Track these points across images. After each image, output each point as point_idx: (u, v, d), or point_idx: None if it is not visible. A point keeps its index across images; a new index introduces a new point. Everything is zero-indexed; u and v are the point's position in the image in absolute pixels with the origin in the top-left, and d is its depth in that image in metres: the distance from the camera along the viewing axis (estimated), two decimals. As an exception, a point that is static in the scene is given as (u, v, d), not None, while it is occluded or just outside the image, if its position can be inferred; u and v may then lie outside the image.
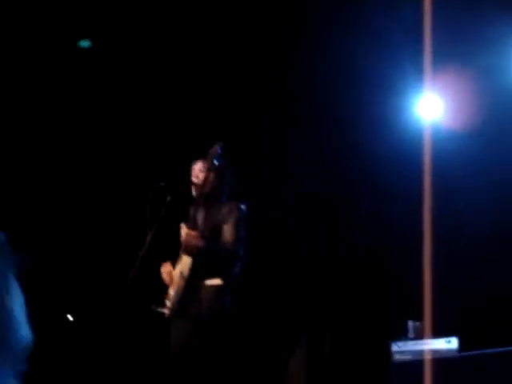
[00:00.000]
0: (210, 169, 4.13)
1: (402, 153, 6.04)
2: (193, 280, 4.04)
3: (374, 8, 5.64)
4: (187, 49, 5.99)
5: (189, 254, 4.05)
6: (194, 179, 4.23)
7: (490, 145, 5.85)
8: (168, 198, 4.14)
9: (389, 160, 6.15)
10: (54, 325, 6.31)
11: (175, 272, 4.14)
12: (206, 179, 4.16)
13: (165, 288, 4.21)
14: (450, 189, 5.76)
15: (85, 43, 5.91)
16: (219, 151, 4.14)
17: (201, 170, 4.23)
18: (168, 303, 4.13)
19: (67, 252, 6.59)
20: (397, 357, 5.49)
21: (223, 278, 4.10)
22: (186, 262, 4.07)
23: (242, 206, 4.23)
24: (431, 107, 6.02)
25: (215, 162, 4.14)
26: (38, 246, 6.28)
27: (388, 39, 5.72)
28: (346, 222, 6.42)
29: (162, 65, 6.07)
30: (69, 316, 6.11)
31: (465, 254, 5.86)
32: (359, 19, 5.76)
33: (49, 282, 6.47)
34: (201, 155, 4.27)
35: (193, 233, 4.04)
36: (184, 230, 4.08)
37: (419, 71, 5.53)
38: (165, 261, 4.22)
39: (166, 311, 4.12)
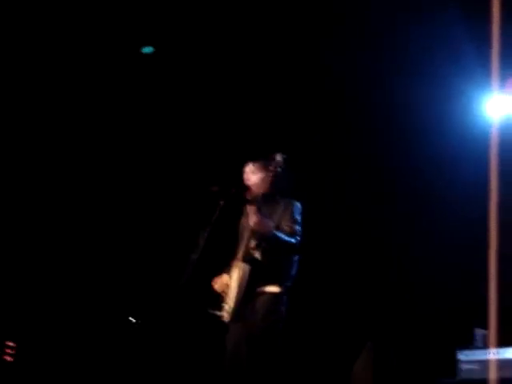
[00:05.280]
0: (272, 175, 4.16)
1: (469, 153, 5.88)
2: (250, 286, 4.03)
3: (441, 9, 5.51)
4: (248, 54, 6.04)
5: (258, 235, 4.02)
6: (246, 181, 4.24)
7: None
8: (221, 203, 4.14)
9: (456, 160, 6.01)
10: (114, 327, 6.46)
11: (232, 275, 4.13)
12: (261, 183, 4.18)
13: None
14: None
15: (148, 49, 6.02)
16: (281, 163, 4.13)
17: (252, 172, 4.24)
18: (226, 306, 4.12)
19: (122, 254, 6.73)
20: (464, 366, 5.33)
21: (280, 281, 4.05)
22: (244, 269, 4.06)
23: (297, 203, 4.23)
24: (499, 106, 5.82)
25: (278, 170, 4.16)
26: (93, 248, 6.46)
27: (455, 39, 5.58)
28: (411, 228, 6.27)
29: (220, 70, 6.12)
30: (131, 318, 6.21)
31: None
32: (425, 20, 5.64)
33: (106, 284, 6.64)
34: (252, 158, 4.28)
35: (266, 221, 4.02)
36: (255, 216, 4.00)
37: (487, 70, 5.36)
38: (218, 265, 4.23)
39: (223, 314, 4.12)
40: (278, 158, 4.17)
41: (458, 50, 5.58)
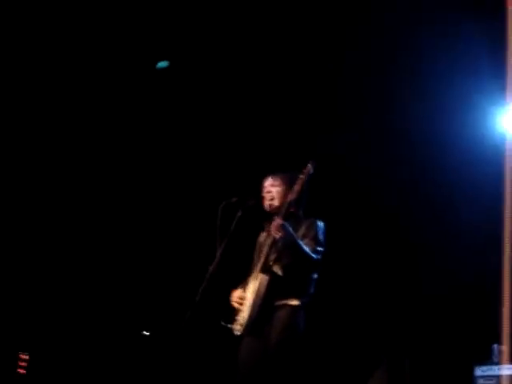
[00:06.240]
0: (302, 185, 4.04)
1: (484, 166, 5.86)
2: (267, 299, 3.97)
3: (456, 21, 5.51)
4: (265, 68, 6.06)
5: (280, 247, 3.96)
6: (266, 195, 4.20)
7: None
8: (239, 214, 4.11)
9: (470, 174, 5.99)
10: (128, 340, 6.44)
11: (249, 287, 4.08)
12: (281, 196, 4.13)
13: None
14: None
15: (163, 64, 6.04)
16: (312, 170, 4.07)
17: (271, 186, 4.20)
18: (240, 319, 4.06)
19: (138, 266, 6.72)
20: (480, 382, 5.28)
21: (298, 295, 4.00)
22: (262, 280, 4.01)
23: (320, 223, 4.15)
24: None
25: (306, 179, 4.06)
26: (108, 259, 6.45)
27: (470, 52, 5.58)
28: (425, 244, 6.23)
29: (237, 83, 6.14)
30: (144, 332, 6.18)
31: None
32: (439, 32, 5.64)
33: (121, 297, 6.62)
34: (271, 171, 4.25)
35: (290, 231, 3.93)
36: (279, 229, 3.90)
37: (502, 84, 5.35)
38: (235, 278, 4.18)
39: (236, 327, 4.05)
40: (311, 165, 4.04)
41: (473, 65, 5.57)
